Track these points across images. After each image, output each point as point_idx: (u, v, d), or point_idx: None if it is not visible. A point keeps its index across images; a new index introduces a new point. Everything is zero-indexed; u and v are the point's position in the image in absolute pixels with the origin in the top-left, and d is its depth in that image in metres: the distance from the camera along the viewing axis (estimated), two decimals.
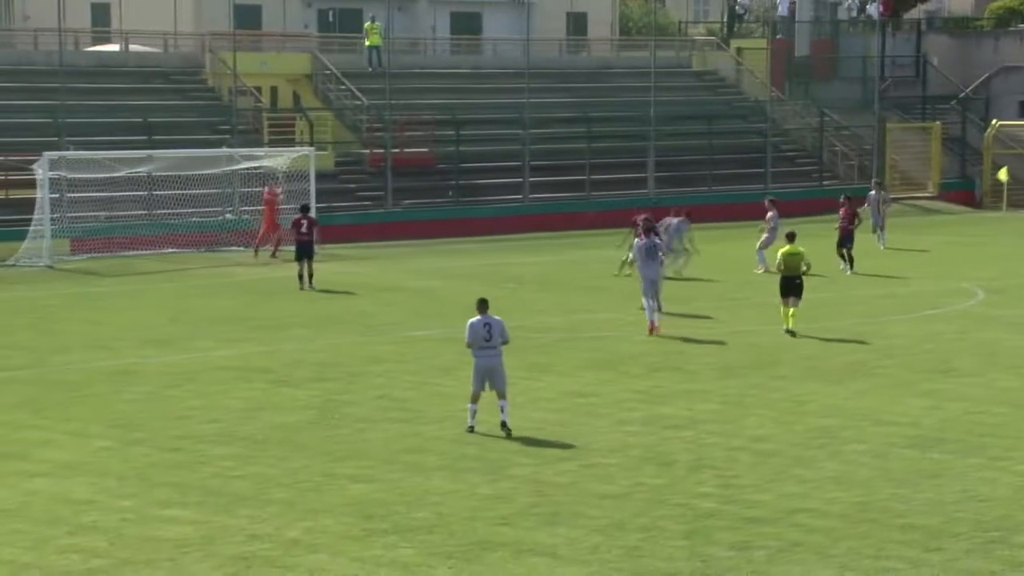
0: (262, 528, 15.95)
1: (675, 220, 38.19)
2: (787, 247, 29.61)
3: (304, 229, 37.63)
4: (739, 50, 67.39)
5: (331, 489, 17.54)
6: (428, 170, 55.44)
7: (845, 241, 39.38)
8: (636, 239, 30.70)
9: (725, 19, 73.15)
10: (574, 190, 56.62)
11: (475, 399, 20.50)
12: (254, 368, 25.66)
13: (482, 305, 20.57)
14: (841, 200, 40.87)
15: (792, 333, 28.65)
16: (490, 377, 20.34)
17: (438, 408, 22.19)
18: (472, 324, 20.48)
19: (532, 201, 54.95)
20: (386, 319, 31.71)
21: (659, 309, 29.55)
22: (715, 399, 22.97)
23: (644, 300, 29.55)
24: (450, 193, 54.79)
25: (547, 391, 23.57)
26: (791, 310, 29.06)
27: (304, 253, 37.17)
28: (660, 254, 30.09)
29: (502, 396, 20.42)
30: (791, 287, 29.15)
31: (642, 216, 33.19)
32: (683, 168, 59.06)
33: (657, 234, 31.15)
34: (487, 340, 20.33)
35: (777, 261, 29.92)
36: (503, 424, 20.29)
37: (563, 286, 37.07)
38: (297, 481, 17.90)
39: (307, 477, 18.10)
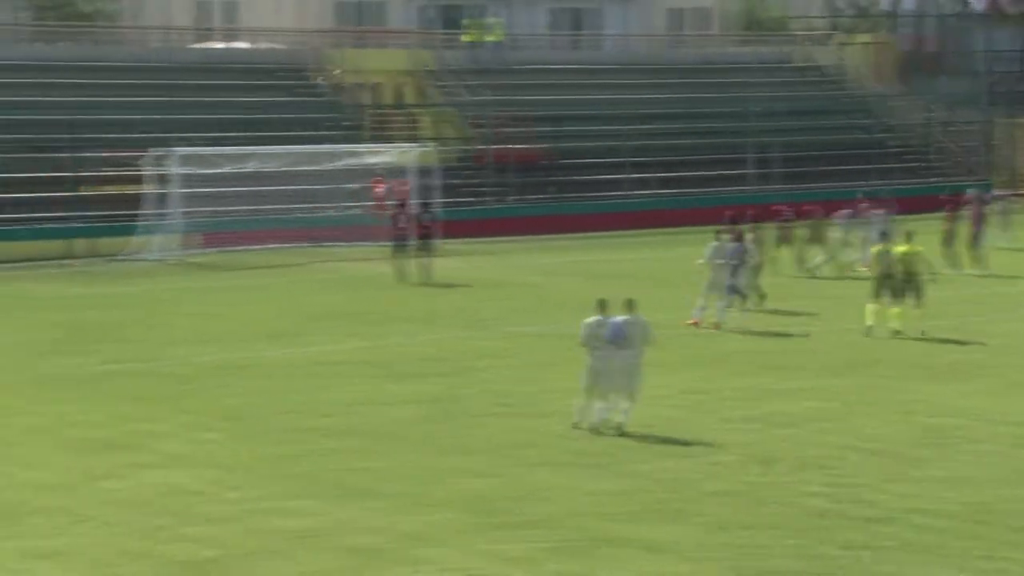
0: (373, 521, 16.06)
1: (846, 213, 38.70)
2: (882, 245, 29.32)
3: (402, 223, 38.44)
4: (843, 45, 66.73)
5: (441, 483, 17.62)
6: (533, 166, 55.49)
7: (978, 239, 38.88)
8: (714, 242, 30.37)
9: (829, 14, 72.48)
10: (677, 187, 56.43)
11: (587, 396, 20.51)
12: (362, 362, 25.86)
13: (601, 306, 20.56)
14: (966, 196, 40.42)
15: (889, 332, 28.16)
16: (614, 377, 20.24)
17: (544, 403, 22.22)
18: (586, 323, 20.56)
19: (635, 197, 54.80)
20: (491, 314, 31.81)
21: (729, 306, 29.69)
22: (821, 397, 22.79)
23: (702, 297, 29.67)
24: (552, 189, 54.81)
25: (656, 387, 23.45)
26: (872, 306, 28.52)
27: (402, 246, 37.81)
28: (734, 260, 29.89)
29: (629, 398, 20.38)
30: (885, 285, 28.67)
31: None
32: (785, 164, 58.62)
33: (741, 238, 30.92)
34: (612, 340, 20.25)
35: (872, 258, 29.64)
36: (618, 424, 20.22)
37: (666, 282, 36.93)
38: (406, 475, 18.01)
39: (416, 471, 18.20)
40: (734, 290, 29.91)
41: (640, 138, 56.55)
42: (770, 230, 37.29)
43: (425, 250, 38.10)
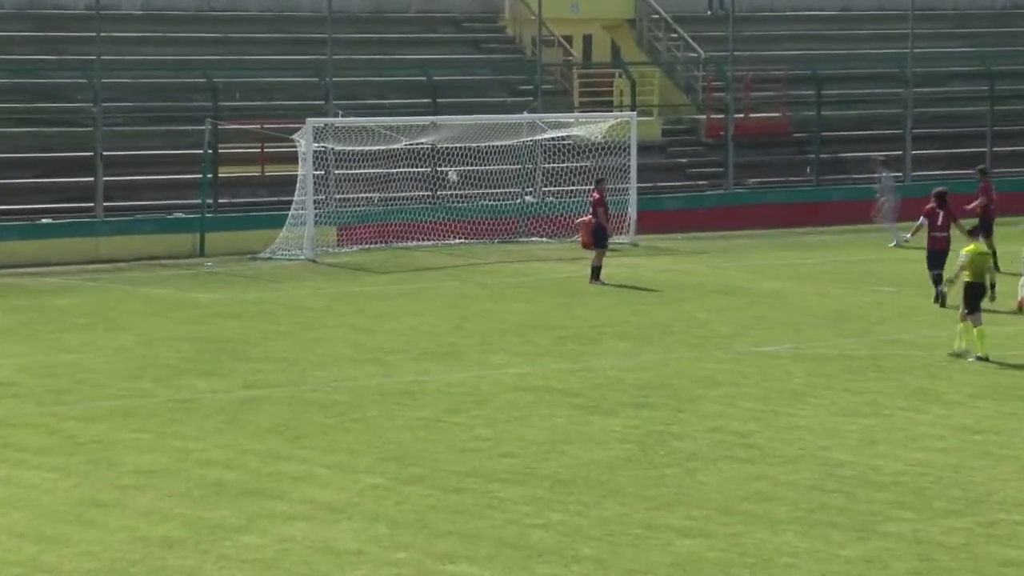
0: None
1: None
2: (973, 245, 29.01)
3: (591, 210, 39.41)
4: None
5: (653, 544, 17.69)
6: (781, 140, 55.27)
7: None
8: None
9: None
10: (972, 165, 55.57)
11: None
12: (558, 390, 26.04)
13: None
14: None
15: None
16: None
17: (790, 445, 22.18)
18: None
19: (916, 180, 54.17)
20: (723, 330, 31.80)
21: None
22: None
23: None
24: (808, 170, 54.50)
25: (932, 426, 23.29)
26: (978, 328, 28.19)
27: (599, 241, 38.68)
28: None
29: None
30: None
31: None
32: None
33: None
34: None
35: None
36: None
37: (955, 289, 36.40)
38: (610, 533, 18.12)
39: (623, 528, 18.29)
40: None
41: (926, 104, 55.84)
42: None
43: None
